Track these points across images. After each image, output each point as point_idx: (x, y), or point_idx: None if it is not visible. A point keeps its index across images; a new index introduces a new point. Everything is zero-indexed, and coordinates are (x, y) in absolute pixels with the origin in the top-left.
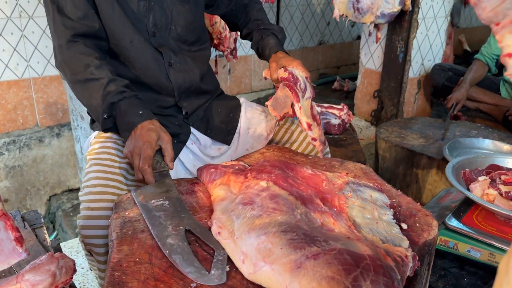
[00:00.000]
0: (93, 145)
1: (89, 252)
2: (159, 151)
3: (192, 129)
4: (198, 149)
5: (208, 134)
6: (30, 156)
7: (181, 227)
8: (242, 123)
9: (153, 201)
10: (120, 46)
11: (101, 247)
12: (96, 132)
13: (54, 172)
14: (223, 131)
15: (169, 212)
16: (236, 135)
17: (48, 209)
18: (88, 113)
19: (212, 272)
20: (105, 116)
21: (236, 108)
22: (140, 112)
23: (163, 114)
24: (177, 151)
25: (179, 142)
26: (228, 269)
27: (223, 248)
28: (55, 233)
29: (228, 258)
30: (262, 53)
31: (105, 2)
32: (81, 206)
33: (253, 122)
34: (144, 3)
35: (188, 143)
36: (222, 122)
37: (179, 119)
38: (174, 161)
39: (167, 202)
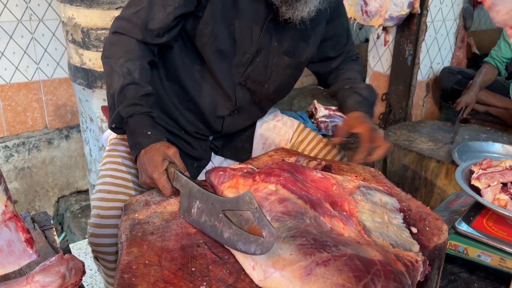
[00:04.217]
0: (111, 145)
1: (96, 258)
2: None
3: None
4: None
5: (225, 155)
6: (39, 157)
7: (220, 215)
8: (255, 142)
9: (192, 211)
10: (201, 68)
11: (110, 255)
12: None
13: (63, 173)
14: (239, 150)
15: (205, 209)
16: (251, 154)
17: (57, 210)
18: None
19: (264, 233)
20: (113, 126)
21: (251, 125)
22: (149, 132)
23: (195, 136)
24: (196, 174)
25: (199, 166)
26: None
27: (250, 204)
28: (63, 235)
29: (237, 262)
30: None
31: (211, 35)
32: (92, 212)
33: (266, 137)
34: (249, 56)
35: (208, 167)
36: (238, 141)
37: (207, 144)
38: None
39: (197, 202)
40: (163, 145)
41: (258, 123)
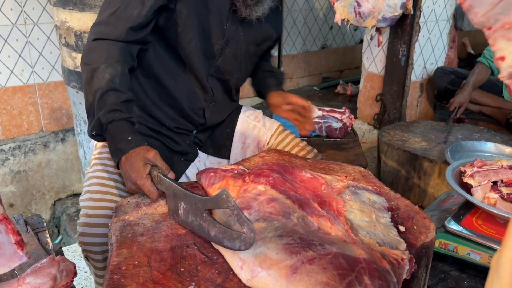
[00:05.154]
0: (97, 148)
1: (86, 258)
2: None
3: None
4: (204, 164)
5: (207, 151)
6: (35, 161)
7: (204, 214)
8: (235, 140)
9: (179, 212)
10: (175, 64)
11: (98, 254)
12: None
13: (59, 176)
14: (221, 147)
15: (190, 210)
16: (231, 152)
17: (53, 213)
18: None
19: (244, 229)
20: (94, 132)
21: (232, 123)
22: (129, 138)
23: (176, 131)
24: (184, 168)
25: (186, 160)
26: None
27: (228, 202)
28: (59, 237)
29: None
30: (261, 91)
31: (185, 31)
32: (81, 212)
33: (246, 136)
34: (219, 47)
35: (196, 161)
36: (220, 139)
37: (190, 138)
38: (177, 175)
39: (182, 203)
40: (143, 149)
41: (239, 122)
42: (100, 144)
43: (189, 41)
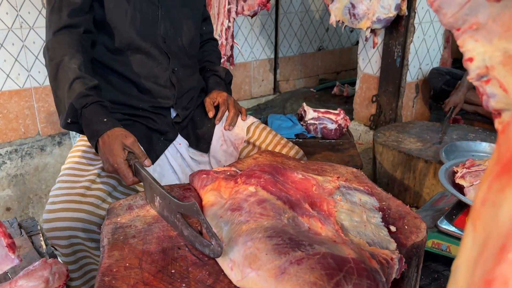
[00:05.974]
0: (77, 143)
1: (53, 247)
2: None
3: (179, 136)
4: (186, 151)
5: (189, 138)
6: (32, 164)
7: (178, 215)
8: (215, 136)
9: (156, 203)
10: (124, 47)
11: (63, 240)
12: None
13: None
14: (200, 139)
15: (165, 205)
16: (210, 145)
17: None
18: None
19: (213, 242)
20: (69, 120)
21: (212, 118)
22: (105, 119)
23: (155, 112)
24: (163, 147)
25: (166, 139)
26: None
27: (197, 214)
28: None
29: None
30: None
31: (117, 5)
32: (48, 201)
33: (225, 133)
34: (156, 12)
35: (176, 143)
36: (200, 130)
37: (168, 119)
38: (155, 154)
39: (158, 197)
40: (121, 133)
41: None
42: (80, 139)
43: (125, 12)
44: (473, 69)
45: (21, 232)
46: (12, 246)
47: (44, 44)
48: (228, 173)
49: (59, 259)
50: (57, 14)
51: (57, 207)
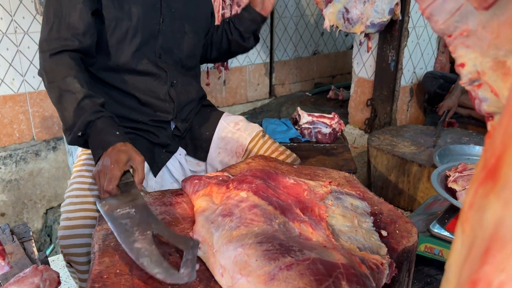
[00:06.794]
0: (79, 157)
1: (69, 263)
2: (129, 172)
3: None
4: (185, 160)
5: (187, 148)
6: (26, 169)
7: (148, 232)
8: (213, 144)
9: (118, 210)
10: (121, 67)
11: (81, 256)
12: None
13: (51, 185)
14: (198, 148)
15: (135, 219)
16: (208, 154)
17: (45, 222)
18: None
19: (182, 271)
20: (80, 134)
21: (213, 126)
22: (117, 133)
23: (155, 125)
24: (165, 159)
25: (168, 151)
26: (198, 267)
27: (192, 248)
28: (51, 246)
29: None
30: (240, 25)
31: (117, 22)
32: (61, 217)
33: (226, 142)
34: (157, 27)
35: (176, 154)
36: (198, 140)
37: (168, 132)
38: (157, 166)
39: (133, 210)
40: (134, 150)
41: (219, 128)
42: (82, 153)
43: (125, 31)
44: (465, 74)
45: (13, 239)
46: (1, 253)
47: (40, 64)
48: (220, 178)
49: (74, 275)
50: (56, 35)
51: (74, 224)
